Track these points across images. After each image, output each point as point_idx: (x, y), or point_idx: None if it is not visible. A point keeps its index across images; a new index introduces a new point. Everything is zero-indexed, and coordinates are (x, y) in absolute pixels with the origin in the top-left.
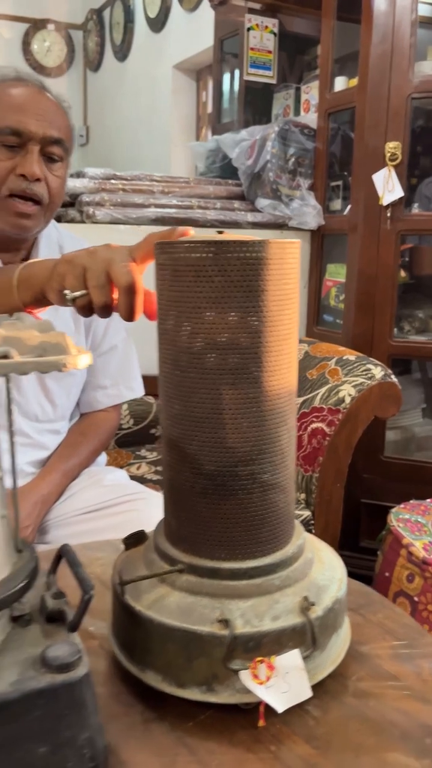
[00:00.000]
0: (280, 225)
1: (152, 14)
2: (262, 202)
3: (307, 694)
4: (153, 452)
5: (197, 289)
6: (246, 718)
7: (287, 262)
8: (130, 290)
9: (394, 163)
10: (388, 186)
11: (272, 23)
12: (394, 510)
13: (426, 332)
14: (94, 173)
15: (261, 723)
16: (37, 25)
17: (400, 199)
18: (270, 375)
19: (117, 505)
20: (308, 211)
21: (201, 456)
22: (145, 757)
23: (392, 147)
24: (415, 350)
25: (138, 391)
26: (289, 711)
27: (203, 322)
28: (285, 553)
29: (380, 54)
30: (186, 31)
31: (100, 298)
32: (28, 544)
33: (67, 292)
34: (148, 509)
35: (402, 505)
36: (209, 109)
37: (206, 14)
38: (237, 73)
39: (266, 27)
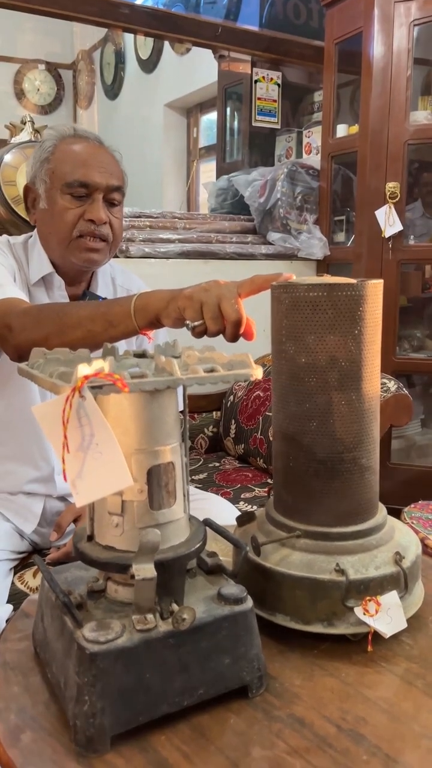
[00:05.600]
0: (290, 256)
1: (144, 56)
2: (273, 236)
3: (404, 625)
4: None
5: (314, 318)
6: (356, 647)
7: (377, 298)
8: (237, 323)
9: (393, 200)
10: (389, 221)
11: (276, 75)
12: (406, 509)
13: (423, 350)
14: (124, 212)
15: (369, 648)
16: (27, 65)
17: (400, 232)
18: (366, 382)
19: None
20: (315, 243)
21: (314, 445)
22: (289, 673)
23: (392, 186)
24: (414, 366)
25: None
26: (388, 640)
27: (317, 342)
28: (377, 521)
29: (380, 106)
30: (178, 72)
31: (214, 327)
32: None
33: (188, 322)
34: (214, 508)
35: (412, 505)
36: (200, 144)
37: (197, 57)
38: (237, 115)
39: (271, 79)
